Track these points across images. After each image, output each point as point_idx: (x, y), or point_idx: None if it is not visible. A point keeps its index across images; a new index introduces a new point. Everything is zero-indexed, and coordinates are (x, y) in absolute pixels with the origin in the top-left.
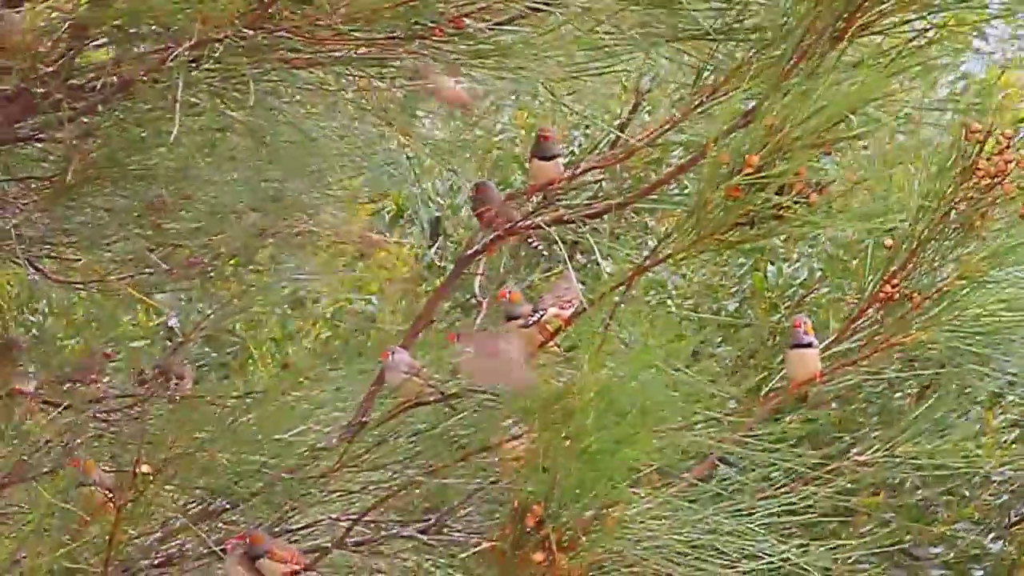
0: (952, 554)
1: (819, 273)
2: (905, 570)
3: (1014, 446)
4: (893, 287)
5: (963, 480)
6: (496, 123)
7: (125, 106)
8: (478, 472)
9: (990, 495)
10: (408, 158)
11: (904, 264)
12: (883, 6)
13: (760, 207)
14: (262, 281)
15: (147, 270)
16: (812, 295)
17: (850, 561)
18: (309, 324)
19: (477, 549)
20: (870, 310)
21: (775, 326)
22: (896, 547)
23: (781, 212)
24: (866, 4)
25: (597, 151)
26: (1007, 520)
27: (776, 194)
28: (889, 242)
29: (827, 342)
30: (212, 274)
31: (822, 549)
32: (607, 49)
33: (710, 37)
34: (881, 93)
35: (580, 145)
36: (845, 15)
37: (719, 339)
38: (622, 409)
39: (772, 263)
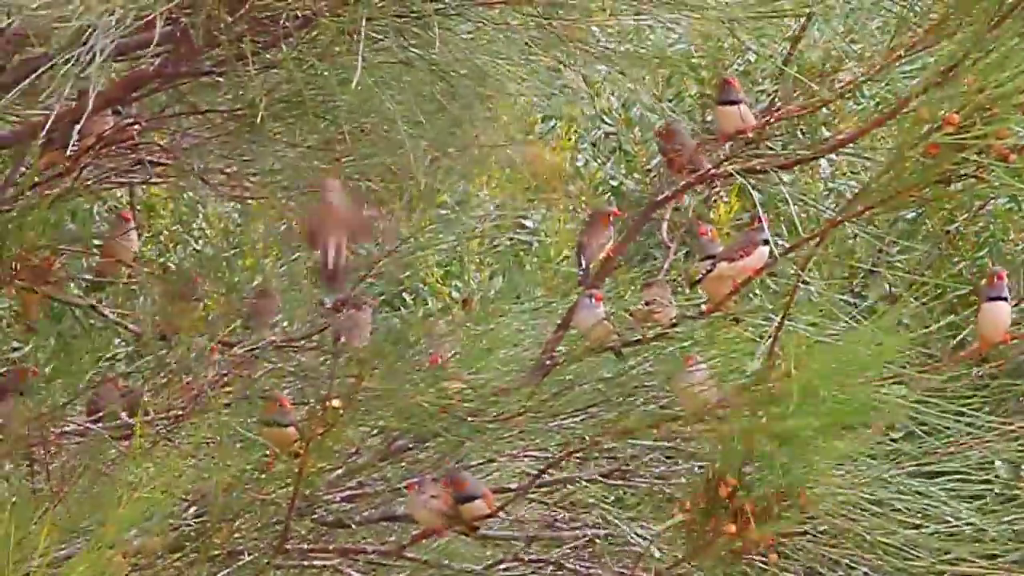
0: None
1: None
2: None
3: None
4: None
5: None
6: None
7: (308, 41)
8: (661, 420)
9: None
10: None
11: None
12: None
13: (959, 166)
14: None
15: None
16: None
17: None
18: (476, 251)
19: (669, 523)
20: None
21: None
22: None
23: (979, 173)
24: None
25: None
26: None
27: (975, 153)
28: None
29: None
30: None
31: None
32: None
33: None
34: None
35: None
36: None
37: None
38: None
39: None
